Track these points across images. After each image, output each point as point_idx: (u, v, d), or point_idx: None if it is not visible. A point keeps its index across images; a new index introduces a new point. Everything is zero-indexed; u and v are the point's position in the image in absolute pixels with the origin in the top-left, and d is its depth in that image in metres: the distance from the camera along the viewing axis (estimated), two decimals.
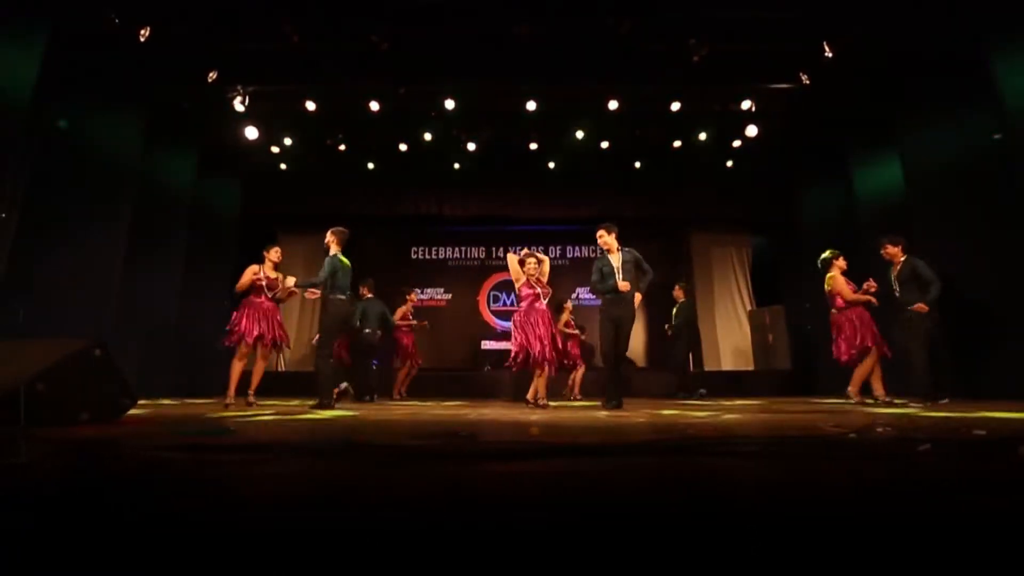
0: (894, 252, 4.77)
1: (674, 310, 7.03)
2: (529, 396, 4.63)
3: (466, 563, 0.68)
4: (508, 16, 5.62)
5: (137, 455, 1.13)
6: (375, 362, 9.36)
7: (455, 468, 1.48)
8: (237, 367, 4.61)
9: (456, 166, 8.54)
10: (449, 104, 6.77)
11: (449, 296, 9.74)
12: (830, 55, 5.70)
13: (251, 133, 7.16)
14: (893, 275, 4.75)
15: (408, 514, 0.92)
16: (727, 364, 9.45)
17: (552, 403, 4.89)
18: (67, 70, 5.09)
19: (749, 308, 9.62)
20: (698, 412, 3.72)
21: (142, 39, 5.52)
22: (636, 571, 0.65)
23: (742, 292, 9.70)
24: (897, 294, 4.70)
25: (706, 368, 9.19)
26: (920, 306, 4.48)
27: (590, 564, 0.68)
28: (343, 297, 4.79)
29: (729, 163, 8.42)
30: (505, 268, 9.74)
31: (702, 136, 7.67)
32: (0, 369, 2.24)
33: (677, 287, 7.13)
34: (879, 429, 2.12)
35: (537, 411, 4.02)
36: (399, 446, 1.63)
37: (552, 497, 1.09)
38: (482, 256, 9.97)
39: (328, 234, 4.95)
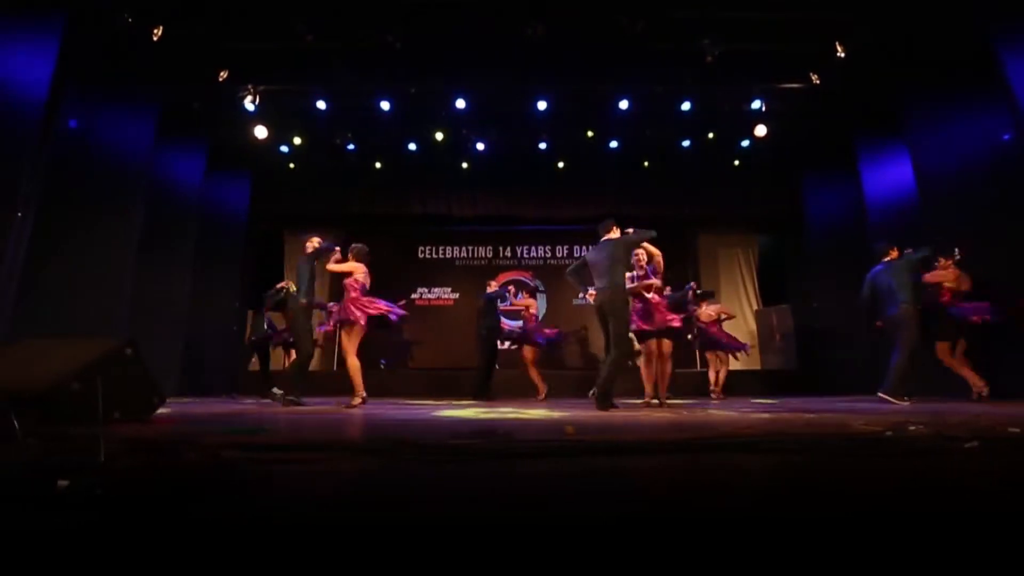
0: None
1: None
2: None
3: (513, 558, 0.69)
4: (521, 16, 5.62)
5: (205, 456, 1.14)
6: (383, 362, 9.39)
7: (499, 466, 1.50)
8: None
9: (464, 166, 8.56)
10: (460, 104, 6.79)
11: (456, 296, 9.75)
12: (842, 55, 5.70)
13: (260, 132, 7.17)
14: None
15: (459, 511, 0.94)
16: (733, 364, 9.41)
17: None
18: (81, 70, 5.10)
19: (756, 308, 9.64)
20: (723, 412, 3.74)
21: (155, 39, 5.52)
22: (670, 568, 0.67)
23: (749, 292, 9.73)
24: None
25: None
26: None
27: (626, 561, 0.69)
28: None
29: (736, 163, 8.44)
30: (512, 268, 9.83)
31: (710, 136, 7.69)
32: (35, 367, 2.25)
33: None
34: (911, 427, 2.13)
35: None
36: (444, 445, 1.64)
37: (591, 494, 1.11)
38: (489, 255, 9.97)
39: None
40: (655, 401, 4.61)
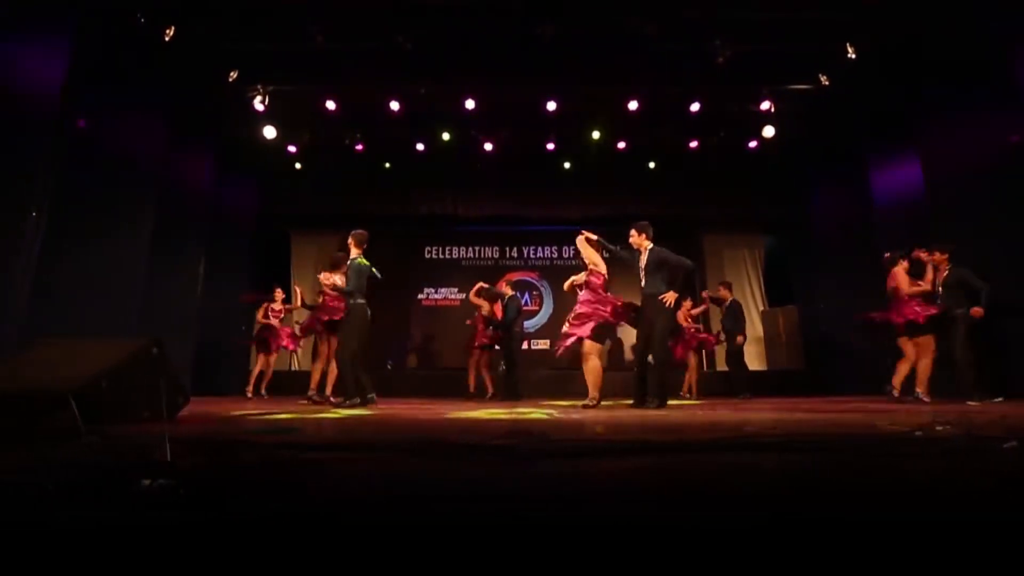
0: (940, 259, 5.00)
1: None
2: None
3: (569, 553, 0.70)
4: (531, 17, 5.64)
5: (264, 455, 1.15)
6: (389, 362, 9.39)
7: (546, 464, 1.51)
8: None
9: (472, 166, 8.57)
10: (469, 104, 6.79)
11: (463, 296, 9.75)
12: (853, 56, 5.72)
13: (269, 133, 7.17)
14: (938, 281, 4.98)
15: (517, 507, 0.95)
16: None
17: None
18: (93, 70, 5.10)
19: (762, 308, 9.66)
20: (746, 412, 3.75)
21: (167, 39, 5.53)
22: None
23: (755, 292, 9.74)
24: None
25: (718, 368, 9.22)
26: (977, 310, 4.71)
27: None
28: (363, 301, 4.86)
29: (744, 163, 8.45)
30: (518, 268, 9.84)
31: (718, 136, 7.70)
32: (65, 367, 2.25)
33: (721, 287, 7.10)
34: (939, 427, 2.15)
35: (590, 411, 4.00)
36: (484, 445, 1.65)
37: (638, 491, 1.12)
38: (496, 256, 9.99)
39: (349, 238, 5.05)
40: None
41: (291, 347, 7.08)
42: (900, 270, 5.15)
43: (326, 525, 0.83)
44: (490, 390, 7.03)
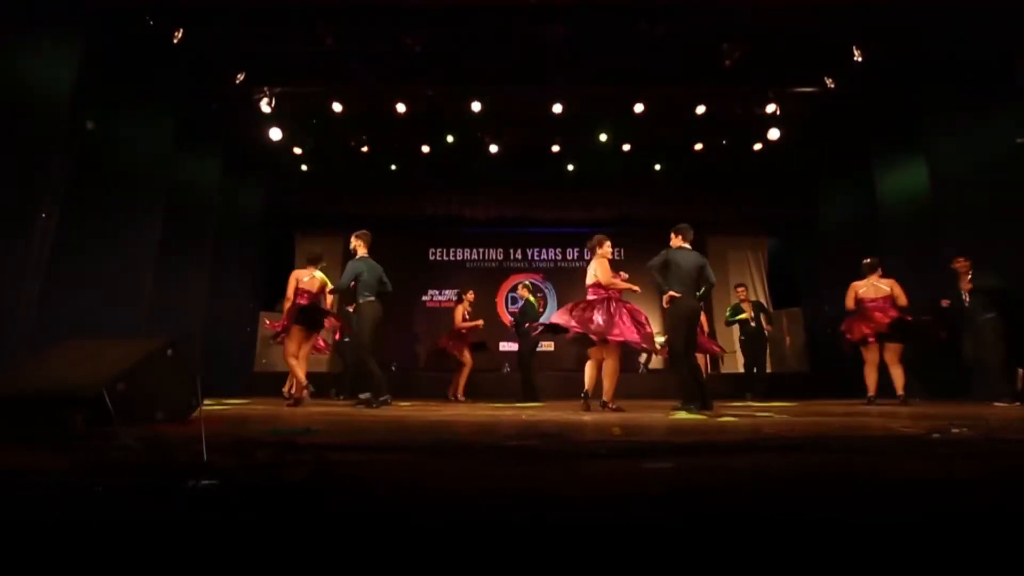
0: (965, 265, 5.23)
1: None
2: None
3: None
4: (540, 18, 5.64)
5: (309, 456, 1.15)
6: (394, 363, 9.38)
7: (576, 465, 1.51)
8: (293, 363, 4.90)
9: (477, 168, 8.58)
10: (475, 106, 6.80)
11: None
12: (860, 60, 5.72)
13: (275, 134, 7.17)
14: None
15: (556, 510, 0.95)
16: (743, 366, 9.45)
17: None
18: (103, 72, 5.12)
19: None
20: (758, 414, 3.75)
21: (175, 41, 5.54)
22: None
23: (759, 294, 9.72)
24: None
25: (722, 371, 9.21)
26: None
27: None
28: (372, 298, 4.95)
29: (749, 166, 8.45)
30: (522, 270, 9.84)
31: (723, 139, 7.71)
32: (83, 369, 2.26)
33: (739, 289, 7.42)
34: (955, 430, 2.15)
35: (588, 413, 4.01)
36: (507, 446, 1.65)
37: (668, 493, 1.12)
38: (500, 258, 10.00)
39: (352, 238, 5.17)
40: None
41: (322, 347, 7.09)
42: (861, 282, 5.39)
43: (374, 527, 0.83)
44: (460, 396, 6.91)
